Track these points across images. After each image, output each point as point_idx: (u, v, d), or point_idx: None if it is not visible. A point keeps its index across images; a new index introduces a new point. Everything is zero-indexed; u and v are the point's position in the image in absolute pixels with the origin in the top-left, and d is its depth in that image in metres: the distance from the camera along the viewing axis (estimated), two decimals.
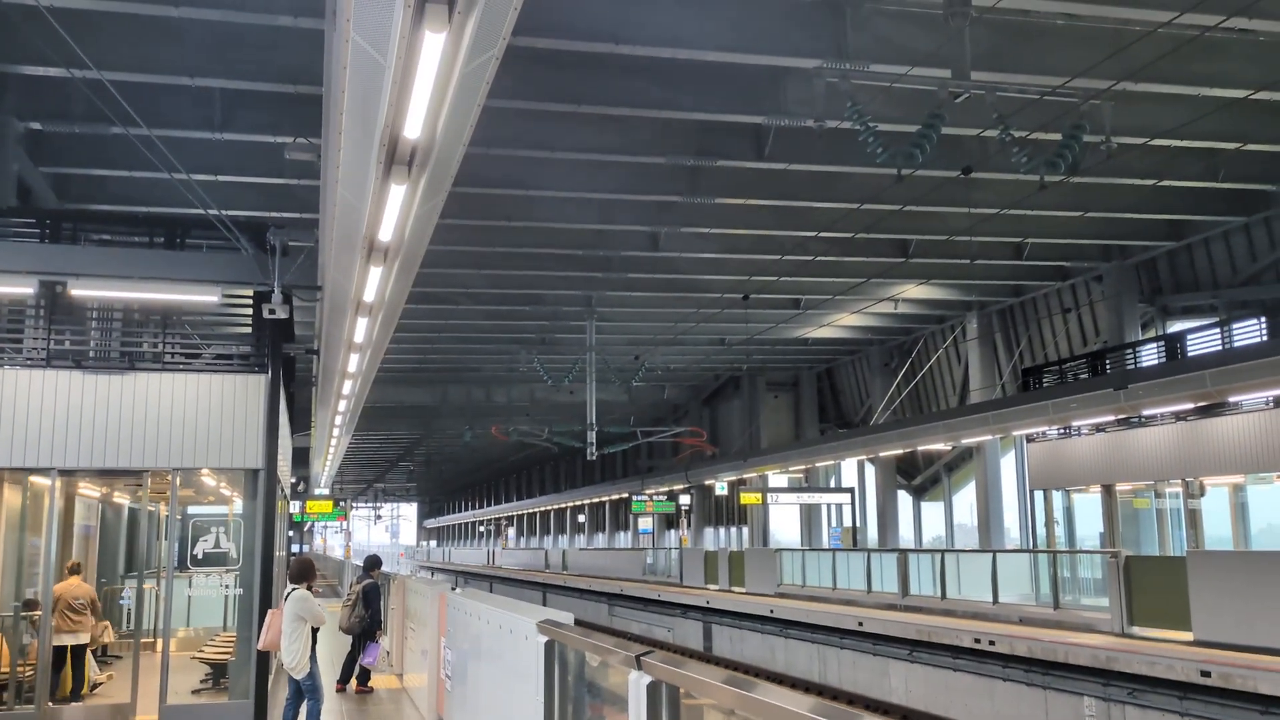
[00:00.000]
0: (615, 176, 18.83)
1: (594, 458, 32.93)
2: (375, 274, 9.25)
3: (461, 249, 22.40)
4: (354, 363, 14.24)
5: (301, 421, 27.86)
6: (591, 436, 31.85)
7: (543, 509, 68.15)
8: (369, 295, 10.06)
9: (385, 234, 8.02)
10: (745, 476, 36.72)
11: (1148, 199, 20.13)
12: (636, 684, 3.95)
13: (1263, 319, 18.08)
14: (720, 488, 40.03)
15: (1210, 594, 14.26)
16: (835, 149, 17.23)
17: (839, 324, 32.19)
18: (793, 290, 27.62)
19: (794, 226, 21.49)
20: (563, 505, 63.92)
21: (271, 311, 10.52)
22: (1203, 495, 19.65)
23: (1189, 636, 14.53)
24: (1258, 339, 17.81)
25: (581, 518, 66.05)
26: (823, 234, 21.28)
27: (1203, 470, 19.23)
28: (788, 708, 2.80)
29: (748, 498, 36.31)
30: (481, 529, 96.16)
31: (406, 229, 7.99)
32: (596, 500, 56.39)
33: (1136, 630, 15.77)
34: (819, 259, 23.20)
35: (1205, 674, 12.46)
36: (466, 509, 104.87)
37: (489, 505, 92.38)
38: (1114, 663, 13.85)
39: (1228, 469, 18.89)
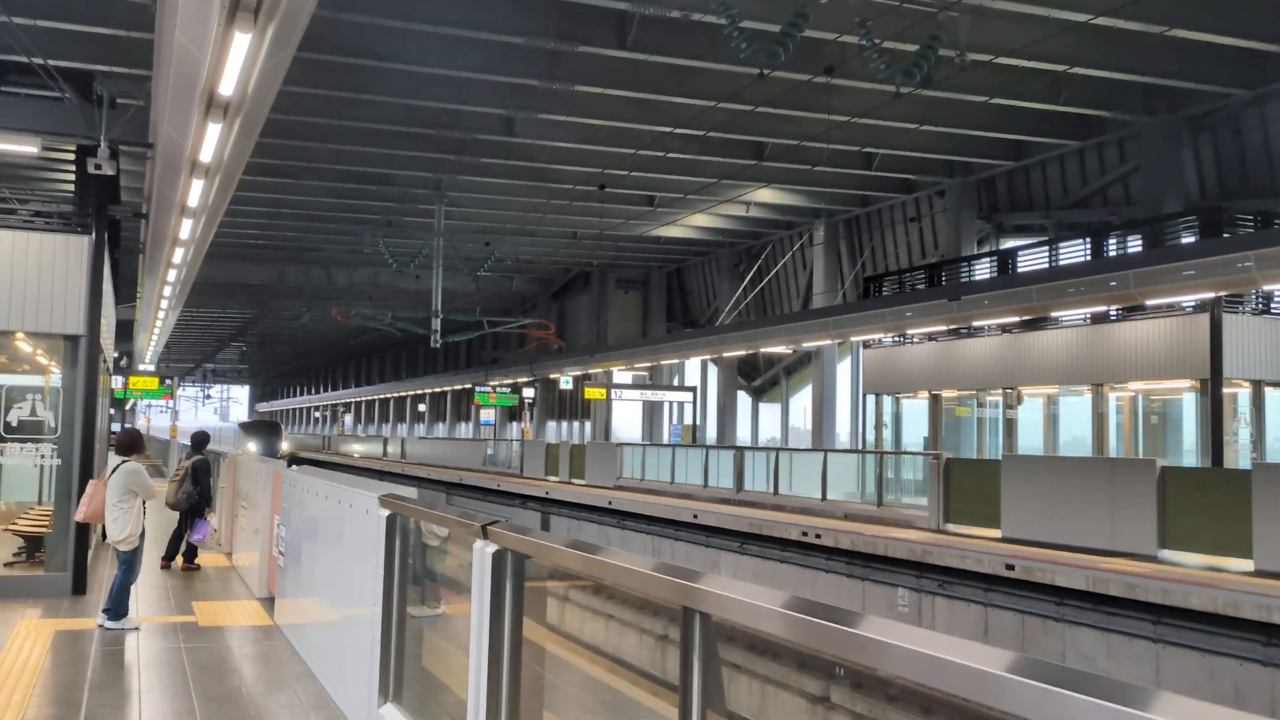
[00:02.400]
0: (473, 55, 18.18)
1: (438, 345, 32.47)
2: (214, 131, 8.67)
3: (307, 120, 21.36)
4: (186, 229, 13.45)
5: (126, 293, 26.41)
6: (436, 324, 31.35)
7: (383, 396, 67.17)
8: (206, 155, 9.45)
9: (227, 88, 7.50)
10: (591, 372, 36.94)
11: (993, 118, 20.75)
12: (481, 553, 3.91)
13: (1087, 240, 19.02)
14: (565, 382, 40.20)
15: (1018, 495, 15.21)
16: (698, 42, 17.05)
17: (691, 224, 32.35)
18: (647, 186, 27.53)
19: (651, 120, 21.30)
20: (403, 393, 63.12)
21: (97, 167, 9.80)
22: (1020, 405, 20.83)
23: (998, 534, 15.49)
24: (1081, 259, 18.76)
25: (422, 407, 65.41)
26: (679, 130, 21.18)
27: (1021, 381, 20.36)
28: (630, 567, 2.82)
29: (592, 393, 36.58)
30: (318, 415, 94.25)
31: (250, 83, 7.48)
32: (438, 390, 55.88)
33: (951, 527, 16.72)
34: (674, 155, 23.13)
35: (1009, 567, 13.35)
36: (302, 393, 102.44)
37: (327, 390, 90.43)
38: (928, 556, 14.67)
39: (1044, 380, 20.05)
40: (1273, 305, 16.70)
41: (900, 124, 20.64)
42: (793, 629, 2.29)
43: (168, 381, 32.92)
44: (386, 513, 5.48)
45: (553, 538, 3.56)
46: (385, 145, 23.62)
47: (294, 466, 10.07)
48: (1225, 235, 15.94)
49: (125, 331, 33.93)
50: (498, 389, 44.04)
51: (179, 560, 12.74)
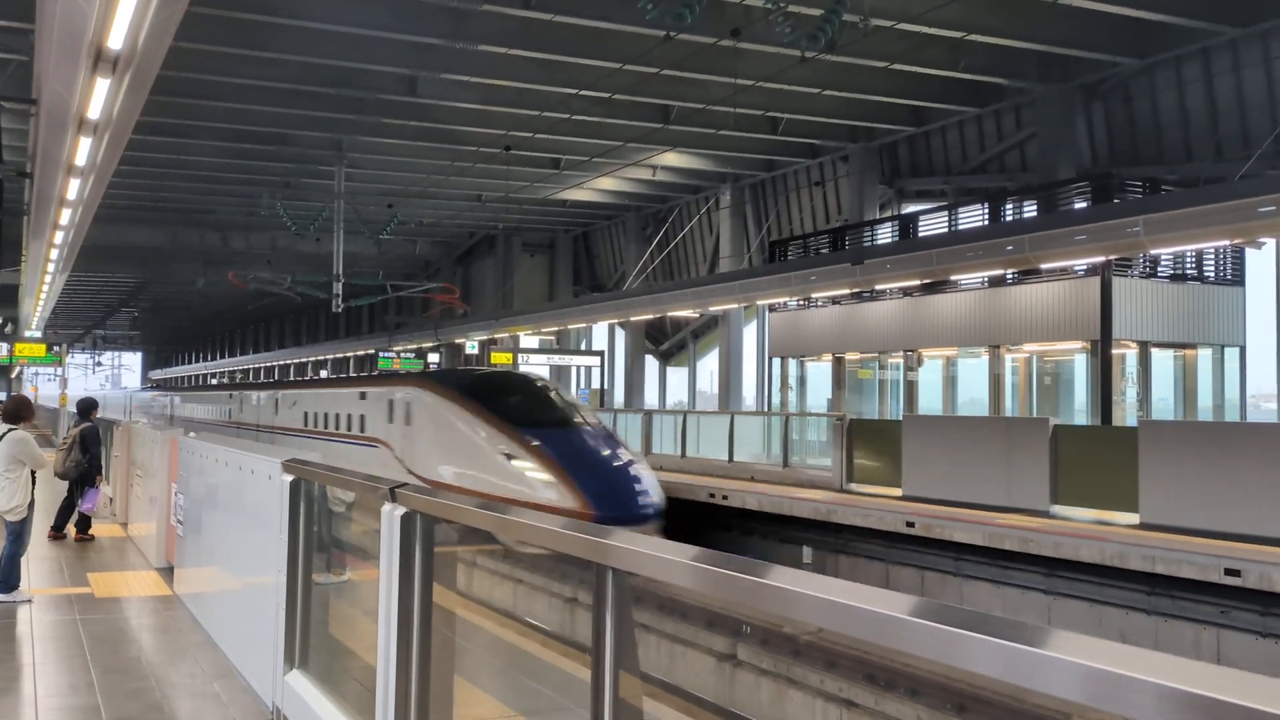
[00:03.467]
0: (374, 12, 17.73)
1: (339, 310, 31.84)
2: (102, 87, 8.30)
3: (201, 77, 20.60)
4: (74, 189, 12.90)
5: (10, 256, 25.29)
6: (337, 288, 30.72)
7: (283, 362, 65.72)
8: (94, 112, 9.05)
9: (116, 41, 7.17)
10: (497, 336, 36.65)
11: (895, 84, 21.03)
12: (390, 516, 3.85)
13: (985, 205, 19.47)
14: (471, 347, 39.82)
15: (918, 455, 15.61)
16: (604, 4, 16.89)
17: (597, 187, 32.20)
18: (552, 149, 27.28)
19: (557, 82, 21.08)
20: (305, 359, 61.84)
21: None
22: (920, 366, 21.32)
23: (899, 493, 15.89)
24: (979, 224, 19.20)
25: (324, 374, 64.17)
26: (585, 92, 21.00)
27: (922, 343, 20.82)
28: (543, 526, 2.82)
29: (498, 357, 36.31)
30: (215, 382, 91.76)
31: (140, 37, 7.17)
32: (341, 356, 54.85)
33: (855, 487, 17.09)
34: (580, 118, 22.95)
35: (910, 525, 13.71)
36: (198, 360, 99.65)
37: (223, 357, 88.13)
38: (832, 515, 14.99)
39: (943, 343, 20.53)
40: (1159, 269, 17.34)
41: (805, 89, 20.78)
42: (704, 581, 2.30)
43: (56, 348, 31.60)
44: (290, 478, 5.37)
45: (462, 499, 3.52)
46: (283, 104, 22.94)
47: None
48: (1115, 201, 16.47)
49: (9, 297, 32.53)
50: (402, 354, 43.42)
51: (71, 531, 12.33)
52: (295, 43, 19.03)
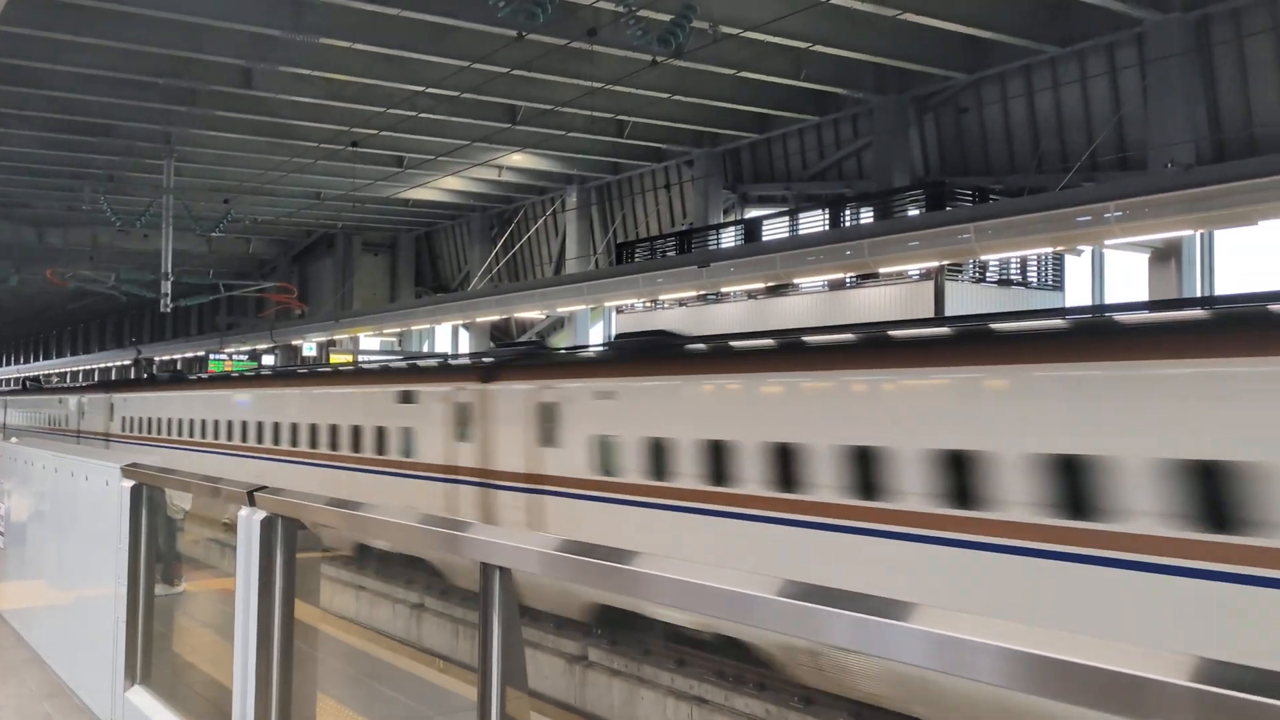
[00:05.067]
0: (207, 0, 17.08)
1: (168, 309, 30.46)
2: None
3: (19, 63, 19.42)
4: None
5: None
6: (166, 287, 29.37)
7: (105, 365, 62.37)
8: None
9: None
10: (336, 337, 35.75)
11: (739, 91, 21.52)
12: (248, 521, 3.74)
13: (825, 211, 20.12)
14: (309, 348, 38.72)
15: None
16: (452, 1, 16.72)
17: (441, 187, 31.80)
18: (396, 147, 26.81)
19: (402, 79, 20.73)
20: (129, 361, 58.85)
21: None
22: None
23: None
24: (820, 229, 19.83)
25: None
26: (431, 90, 20.74)
27: None
28: (424, 527, 2.80)
29: (337, 359, 35.43)
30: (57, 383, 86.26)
31: None
32: (169, 358, 52.45)
33: None
34: (425, 116, 22.64)
35: None
36: (10, 363, 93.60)
37: (40, 359, 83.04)
38: None
39: None
40: (987, 274, 18.26)
41: (653, 93, 21.04)
42: (584, 572, 2.34)
43: None
44: (130, 483, 5.14)
45: (331, 499, 3.45)
46: (109, 93, 21.82)
47: None
48: (947, 209, 17.28)
49: None
50: (234, 356, 41.84)
51: None
52: (123, 29, 18.14)
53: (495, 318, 28.95)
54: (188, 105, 22.76)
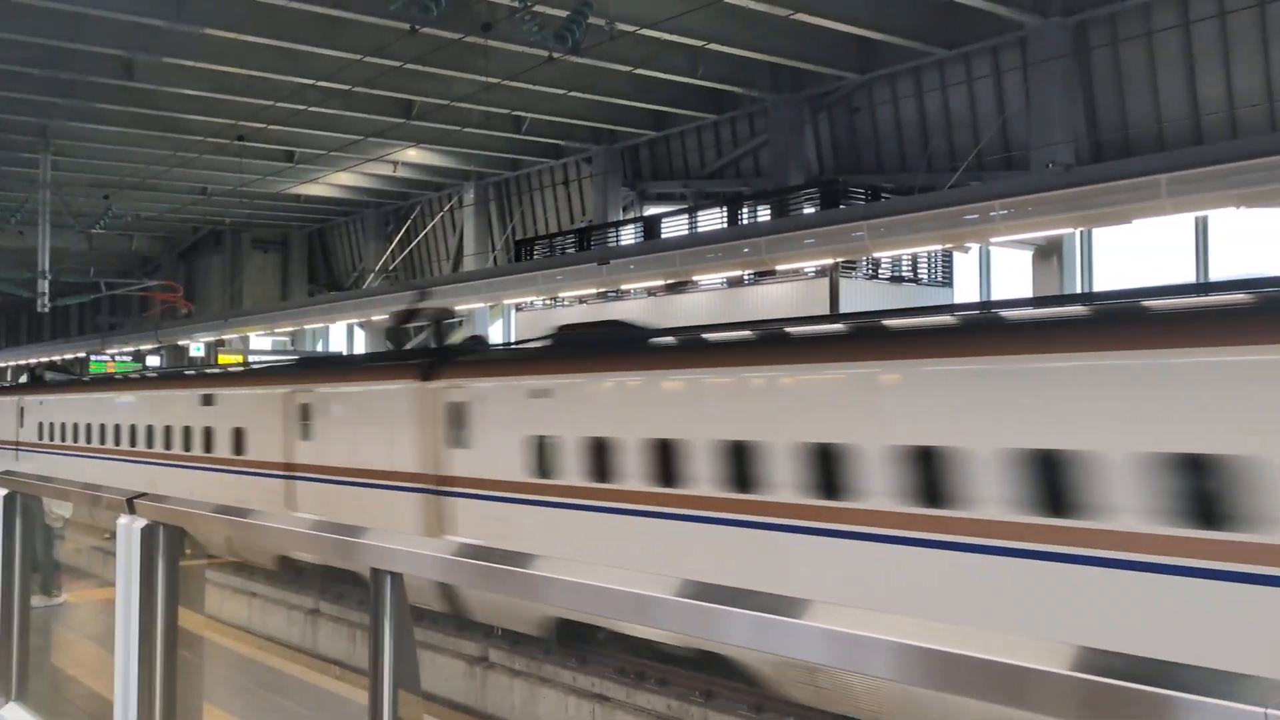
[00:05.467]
0: None
1: (46, 309, 29.23)
2: None
3: None
4: None
5: None
6: (44, 286, 28.18)
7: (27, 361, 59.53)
8: None
9: None
10: (225, 337, 34.78)
11: (638, 88, 21.58)
12: (128, 530, 3.59)
13: (724, 209, 20.31)
14: (196, 349, 37.58)
15: None
16: None
17: (334, 182, 31.20)
18: (286, 141, 26.20)
19: (292, 71, 20.26)
20: (2, 365, 56.30)
21: None
22: None
23: None
24: (718, 226, 20.00)
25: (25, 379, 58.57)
26: (322, 83, 20.31)
27: None
28: (312, 533, 2.73)
29: (227, 359, 34.47)
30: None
31: None
32: (46, 359, 50.32)
33: None
34: (317, 110, 22.17)
35: None
36: None
37: None
38: None
39: None
40: (880, 271, 18.64)
41: (550, 89, 20.96)
42: (478, 576, 2.30)
43: None
44: (3, 491, 4.90)
45: (214, 506, 3.34)
46: None
47: None
48: (841, 207, 17.59)
49: None
50: (117, 357, 40.36)
51: None
52: None
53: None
54: (66, 97, 21.87)
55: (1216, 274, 16.62)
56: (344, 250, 39.25)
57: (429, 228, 33.54)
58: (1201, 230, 16.90)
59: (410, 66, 19.00)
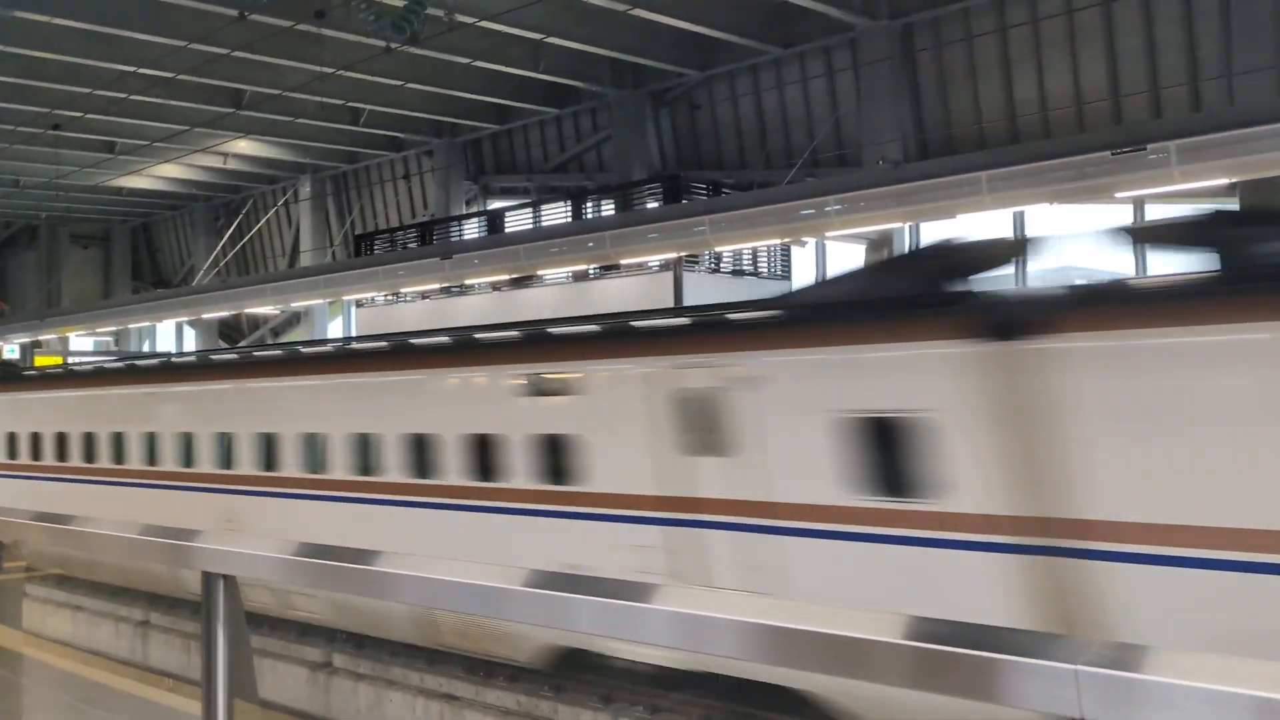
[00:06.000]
0: None
1: None
2: None
3: None
4: None
5: None
6: None
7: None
8: None
9: None
10: (42, 338, 32.80)
11: (478, 81, 21.34)
12: None
13: (568, 203, 20.32)
14: (10, 350, 35.30)
15: None
16: None
17: (160, 175, 29.80)
18: (107, 131, 24.84)
19: (112, 58, 19.21)
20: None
21: None
22: None
23: None
24: (563, 221, 20.00)
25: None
26: (144, 70, 19.35)
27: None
28: (135, 537, 2.61)
29: (45, 360, 32.52)
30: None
31: None
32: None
33: None
34: (139, 98, 21.11)
35: None
36: None
37: None
38: None
39: None
40: (722, 264, 18.99)
41: (387, 80, 20.52)
42: (317, 576, 2.24)
43: None
44: None
45: (31, 514, 3.14)
46: None
47: None
48: (684, 202, 17.84)
49: None
50: None
51: None
52: None
53: (224, 314, 27.43)
54: None
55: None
56: (171, 246, 37.56)
57: (263, 222, 32.39)
58: (1019, 225, 17.84)
59: (239, 54, 18.29)
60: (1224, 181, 12.80)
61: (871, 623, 1.59)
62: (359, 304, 24.44)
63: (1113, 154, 12.07)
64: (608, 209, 19.79)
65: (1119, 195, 13.78)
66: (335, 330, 30.75)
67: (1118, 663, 1.37)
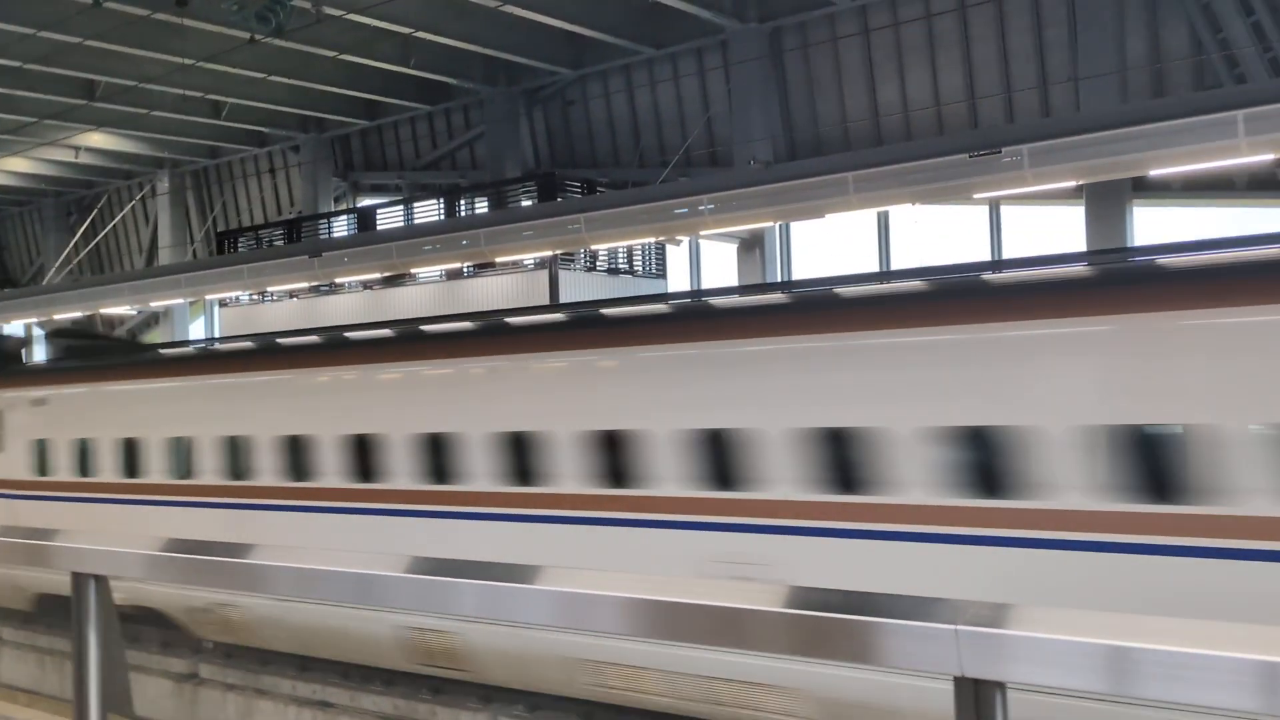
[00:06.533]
0: None
1: None
2: None
3: None
4: None
5: None
6: None
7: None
8: None
9: None
10: None
11: (347, 75, 20.89)
12: None
13: (440, 201, 20.07)
14: None
15: None
16: None
17: (6, 169, 28.29)
18: None
19: None
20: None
21: None
22: None
23: None
24: (436, 219, 19.76)
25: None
26: None
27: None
28: None
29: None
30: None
31: None
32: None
33: None
34: None
35: None
36: None
37: None
38: None
39: None
40: (598, 263, 19.05)
41: (251, 73, 19.92)
42: (189, 571, 2.18)
43: None
44: None
45: None
46: None
47: None
48: (558, 200, 17.82)
49: None
50: None
51: None
52: None
53: (76, 314, 26.19)
54: None
55: (898, 263, 18.13)
56: (19, 243, 35.67)
57: (118, 219, 31.04)
58: (884, 223, 18.40)
59: (92, 43, 17.51)
60: (1072, 184, 13.47)
61: (754, 594, 1.63)
62: (223, 303, 23.68)
63: (970, 156, 12.57)
64: (481, 207, 19.65)
65: (976, 196, 14.36)
66: (198, 332, 29.70)
67: (994, 621, 1.44)
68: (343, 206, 25.67)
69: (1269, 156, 11.85)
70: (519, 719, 9.25)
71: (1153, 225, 15.83)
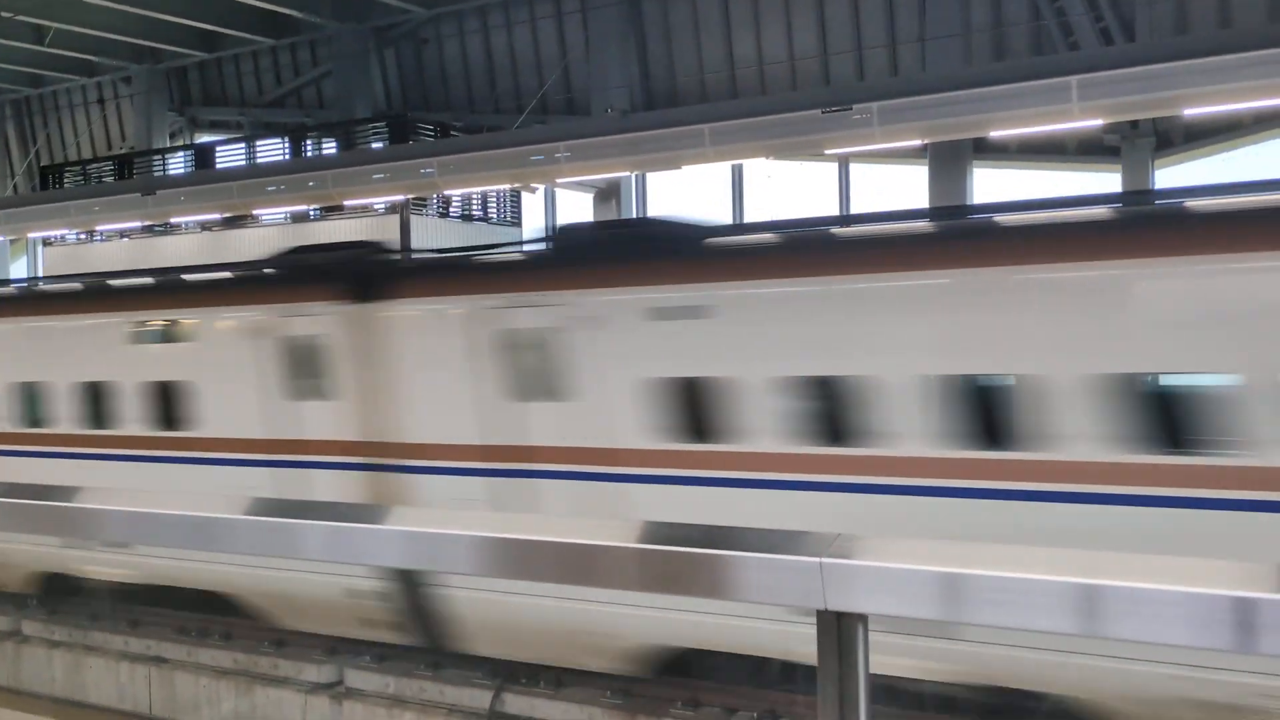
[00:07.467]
0: None
1: None
2: None
3: None
4: None
5: None
6: None
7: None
8: None
9: None
10: None
11: (182, 3, 19.78)
12: None
13: (286, 140, 19.30)
14: None
15: None
16: None
17: None
18: None
19: None
20: None
21: None
22: None
23: None
24: (281, 159, 19.01)
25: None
26: None
27: None
28: None
29: None
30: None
31: None
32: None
33: None
34: None
35: None
36: None
37: None
38: None
39: None
40: (451, 209, 18.68)
41: None
42: (14, 517, 2.04)
43: None
44: None
45: None
46: None
47: None
48: (411, 143, 17.35)
49: None
50: None
51: None
52: None
53: None
54: None
55: (752, 217, 18.39)
56: None
57: None
58: (738, 176, 18.61)
59: None
60: (918, 143, 13.90)
61: (610, 530, 1.62)
62: (46, 243, 22.31)
63: (822, 112, 12.80)
64: (329, 148, 19.01)
65: (828, 152, 14.66)
66: (20, 271, 27.93)
67: (857, 553, 1.47)
68: (179, 143, 24.40)
69: (1098, 121, 12.50)
70: (366, 669, 9.14)
71: (991, 185, 16.52)
